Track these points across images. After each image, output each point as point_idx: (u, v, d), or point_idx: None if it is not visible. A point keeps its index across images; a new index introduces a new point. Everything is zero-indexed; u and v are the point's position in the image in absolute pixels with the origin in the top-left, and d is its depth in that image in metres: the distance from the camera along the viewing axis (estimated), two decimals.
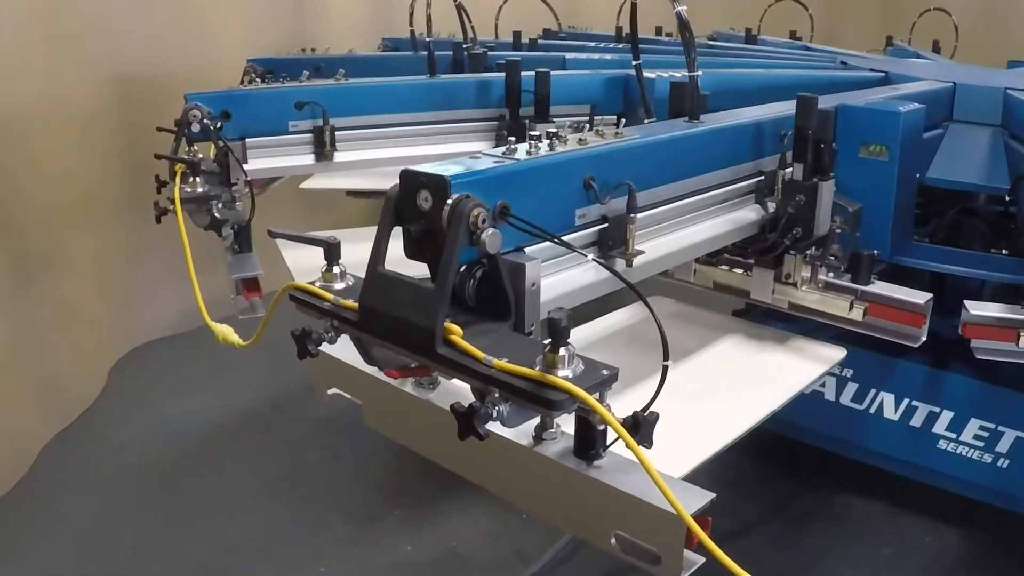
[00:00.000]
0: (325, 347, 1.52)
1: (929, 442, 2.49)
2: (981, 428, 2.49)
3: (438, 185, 1.18)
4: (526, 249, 1.29)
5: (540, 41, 3.43)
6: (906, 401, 2.53)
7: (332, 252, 1.38)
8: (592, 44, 3.35)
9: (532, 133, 1.36)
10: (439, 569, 2.55)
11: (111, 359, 3.54)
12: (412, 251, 1.24)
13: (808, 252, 1.74)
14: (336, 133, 2.13)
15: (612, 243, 1.39)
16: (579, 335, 1.73)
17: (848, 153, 1.96)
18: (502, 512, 2.67)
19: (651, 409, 1.15)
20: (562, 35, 3.67)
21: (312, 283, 1.38)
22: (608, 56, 2.86)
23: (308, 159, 2.17)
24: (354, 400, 1.55)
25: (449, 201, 1.16)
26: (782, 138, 1.76)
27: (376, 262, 1.25)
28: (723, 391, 1.63)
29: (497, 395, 1.11)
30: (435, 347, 1.15)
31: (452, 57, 2.69)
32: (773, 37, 3.95)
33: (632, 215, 1.38)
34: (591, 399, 1.05)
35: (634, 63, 1.85)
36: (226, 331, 1.73)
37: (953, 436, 2.48)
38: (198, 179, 1.96)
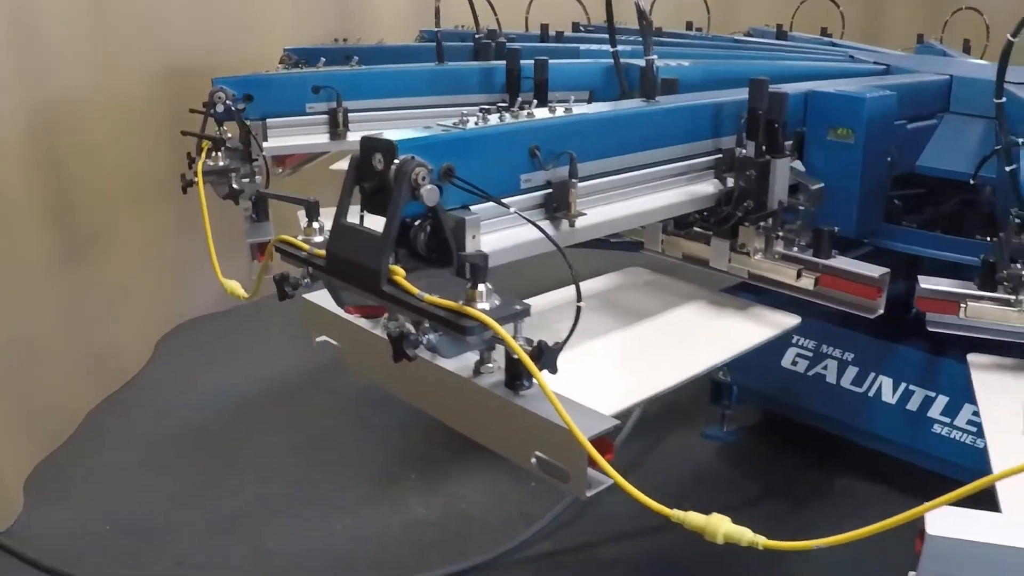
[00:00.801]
0: (313, 297, 1.80)
1: (925, 426, 2.64)
2: (974, 413, 2.64)
3: (387, 148, 1.44)
4: (473, 207, 1.54)
5: (567, 34, 3.67)
6: (903, 385, 2.68)
7: (311, 210, 1.65)
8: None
9: (485, 107, 1.61)
10: (448, 528, 2.82)
11: (158, 333, 3.92)
12: (369, 206, 1.50)
13: (761, 224, 1.94)
14: (349, 115, 2.42)
15: (556, 206, 1.63)
16: (551, 298, 2.00)
17: (818, 136, 2.16)
18: (510, 478, 2.93)
19: (577, 349, 1.39)
20: (590, 29, 3.90)
21: (295, 236, 1.65)
22: (622, 48, 3.08)
23: (324, 138, 2.47)
24: (336, 344, 1.82)
25: (396, 162, 1.42)
26: (740, 119, 1.97)
27: (340, 215, 1.51)
28: (672, 346, 1.84)
29: (427, 325, 1.37)
30: (380, 285, 1.41)
31: (472, 48, 2.95)
32: (805, 34, 4.11)
33: (573, 180, 1.61)
34: (496, 325, 1.29)
35: (612, 50, 2.08)
36: (234, 286, 2.02)
37: (947, 421, 2.63)
38: (219, 154, 2.27)
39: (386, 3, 4.41)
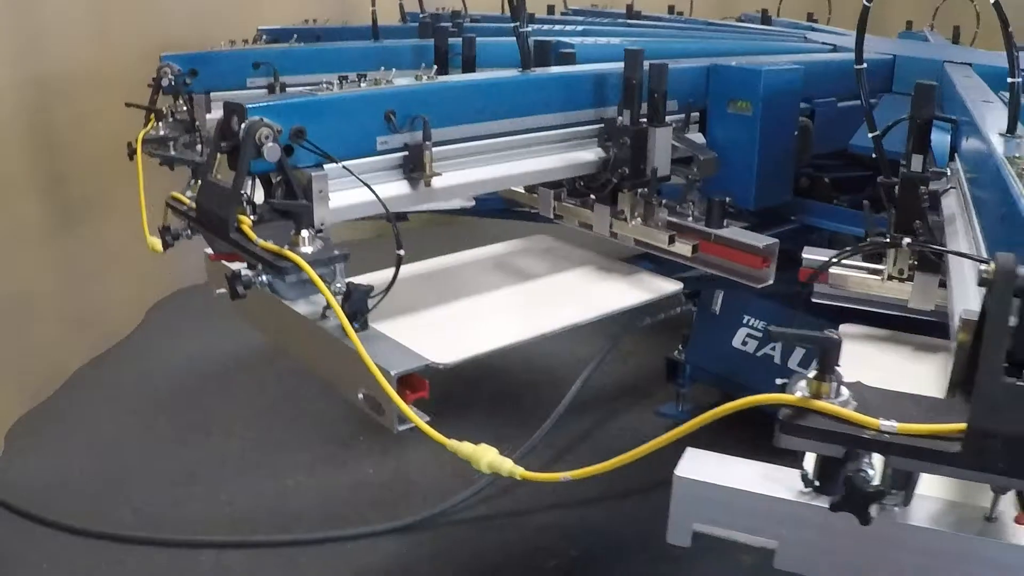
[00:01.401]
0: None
1: None
2: None
3: (240, 111, 1.64)
4: (327, 166, 1.73)
5: (537, 15, 3.84)
6: None
7: (197, 171, 1.87)
8: (588, 19, 3.73)
9: (345, 75, 1.80)
10: (393, 489, 3.04)
11: (150, 300, 4.22)
12: (229, 162, 1.71)
13: (639, 191, 2.08)
14: (287, 89, 2.63)
15: (412, 167, 1.81)
16: (451, 259, 2.19)
17: (719, 109, 2.29)
18: None
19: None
20: (566, 12, 4.06)
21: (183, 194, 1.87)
22: (572, 28, 3.25)
23: None
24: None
25: (245, 123, 1.62)
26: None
27: (207, 171, 1.72)
28: (538, 305, 1.99)
29: (259, 267, 1.57)
30: (229, 232, 1.62)
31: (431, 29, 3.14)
32: (789, 19, 4.23)
33: (427, 143, 1.79)
34: (307, 266, 1.48)
35: (520, 29, 2.23)
36: (154, 242, 2.24)
37: None
38: (160, 124, 2.51)
39: None
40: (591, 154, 2.11)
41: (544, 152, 2.04)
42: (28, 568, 2.65)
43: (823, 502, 1.15)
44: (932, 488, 1.19)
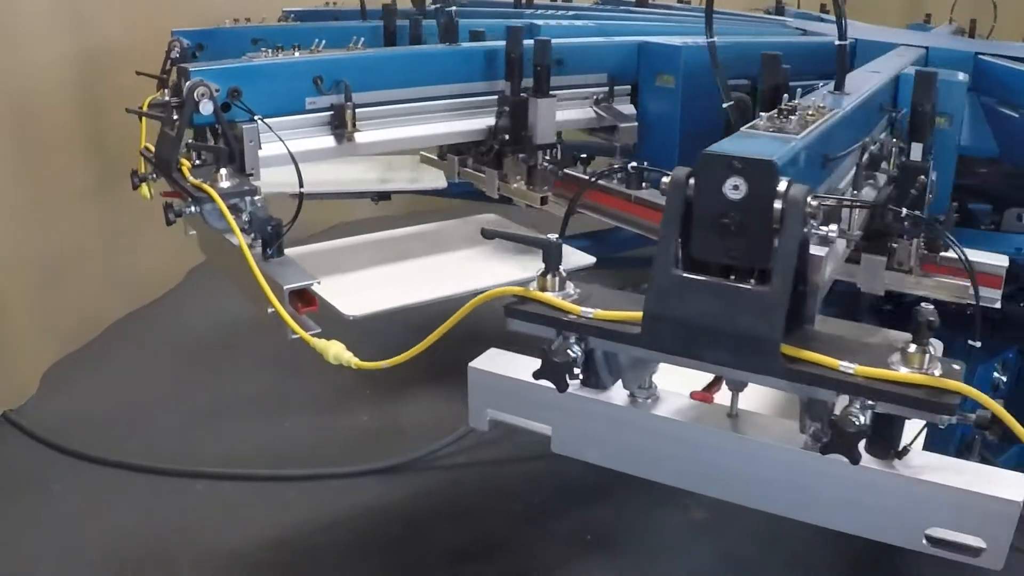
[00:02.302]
0: None
1: None
2: None
3: (186, 72, 2.04)
4: (271, 120, 2.11)
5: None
6: None
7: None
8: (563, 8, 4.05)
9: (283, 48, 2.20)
10: (383, 435, 3.44)
11: (191, 262, 4.69)
12: (178, 116, 2.11)
13: (520, 155, 2.40)
14: None
15: (337, 124, 2.19)
16: (397, 232, 2.55)
17: (649, 83, 2.59)
18: (448, 401, 3.49)
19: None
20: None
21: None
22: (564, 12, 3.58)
23: None
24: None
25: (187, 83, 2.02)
26: (557, 63, 2.44)
27: (165, 125, 2.12)
28: (451, 276, 2.29)
29: (190, 200, 1.96)
30: (171, 172, 2.02)
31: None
32: (796, 9, 4.48)
33: (348, 104, 2.16)
34: (217, 196, 1.87)
35: (446, 9, 2.59)
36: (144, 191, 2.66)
37: None
38: (166, 91, 2.93)
39: None
40: (483, 122, 2.45)
41: (449, 118, 2.40)
42: (42, 488, 3.13)
43: (587, 393, 1.47)
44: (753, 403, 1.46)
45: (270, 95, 2.10)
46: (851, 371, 1.21)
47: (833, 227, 1.25)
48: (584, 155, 2.40)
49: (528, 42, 2.38)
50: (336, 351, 1.70)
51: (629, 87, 2.61)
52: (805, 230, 1.21)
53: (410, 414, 3.57)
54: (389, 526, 3.01)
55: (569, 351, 1.33)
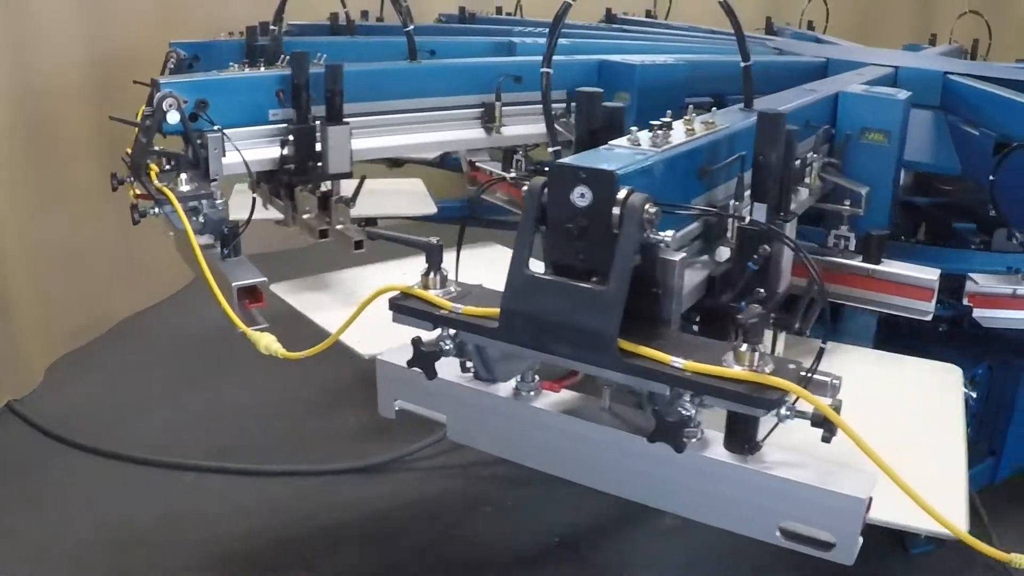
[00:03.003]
0: None
1: None
2: None
3: (155, 84, 2.28)
4: (235, 131, 2.34)
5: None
6: None
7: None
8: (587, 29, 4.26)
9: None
10: (367, 435, 3.67)
11: None
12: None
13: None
14: None
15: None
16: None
17: (607, 100, 2.78)
18: None
19: None
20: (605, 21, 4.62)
21: None
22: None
23: None
24: None
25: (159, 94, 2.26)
26: (516, 80, 2.65)
27: (140, 134, 2.36)
28: None
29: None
30: (140, 176, 2.25)
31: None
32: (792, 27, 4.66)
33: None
34: (172, 196, 2.10)
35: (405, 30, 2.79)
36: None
37: None
38: None
39: None
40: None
41: (438, 128, 2.61)
42: (40, 475, 3.40)
43: (478, 385, 1.67)
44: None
45: (234, 106, 2.33)
46: (680, 366, 1.37)
47: (668, 233, 1.42)
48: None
49: (317, 69, 2.47)
50: (267, 342, 1.92)
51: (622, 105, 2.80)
52: (645, 235, 1.38)
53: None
54: (362, 523, 3.23)
55: (442, 343, 1.52)
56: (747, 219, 1.69)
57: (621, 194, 1.37)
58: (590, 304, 1.38)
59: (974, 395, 3.13)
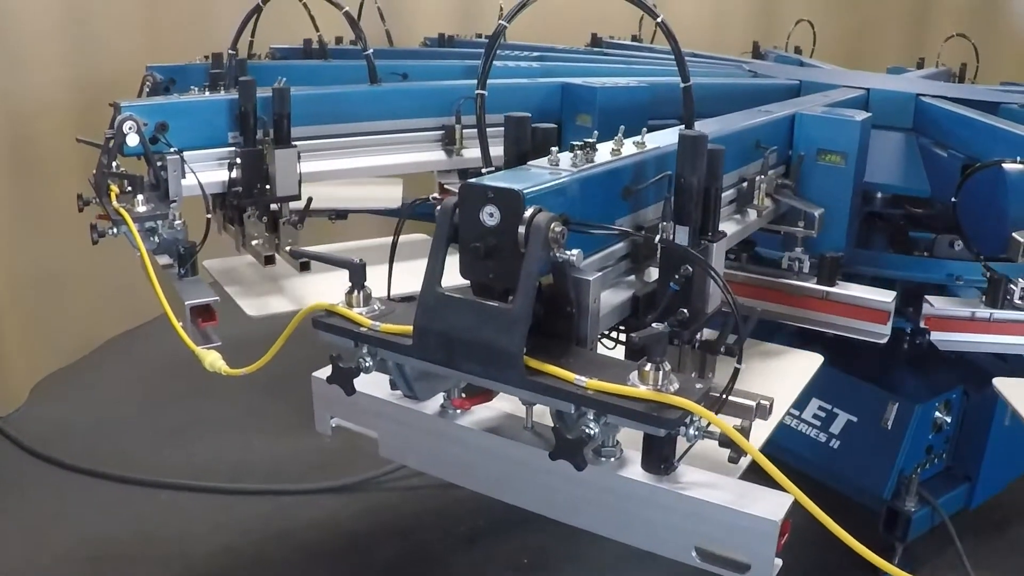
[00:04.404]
0: None
1: None
2: (820, 408, 3.17)
3: (117, 107, 2.38)
4: (195, 152, 2.43)
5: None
6: None
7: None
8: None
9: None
10: (344, 455, 3.70)
11: None
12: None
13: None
14: None
15: None
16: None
17: (571, 123, 2.86)
18: None
19: None
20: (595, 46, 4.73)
21: None
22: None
23: None
24: None
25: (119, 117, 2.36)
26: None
27: (103, 155, 2.46)
28: None
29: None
30: (101, 198, 2.34)
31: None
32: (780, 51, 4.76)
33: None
34: (127, 216, 2.19)
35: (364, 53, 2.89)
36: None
37: (797, 413, 3.20)
38: None
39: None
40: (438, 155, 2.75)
41: (397, 151, 2.70)
42: (19, 492, 3.51)
43: (407, 403, 1.74)
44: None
45: (194, 129, 2.42)
46: (583, 384, 1.42)
47: (575, 251, 1.48)
48: None
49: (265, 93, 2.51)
50: (211, 359, 2.01)
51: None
52: (552, 254, 1.45)
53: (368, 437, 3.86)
54: (335, 541, 3.30)
55: (361, 360, 1.60)
56: (666, 239, 1.74)
57: (527, 213, 1.43)
58: (496, 322, 1.44)
59: (948, 419, 3.18)
